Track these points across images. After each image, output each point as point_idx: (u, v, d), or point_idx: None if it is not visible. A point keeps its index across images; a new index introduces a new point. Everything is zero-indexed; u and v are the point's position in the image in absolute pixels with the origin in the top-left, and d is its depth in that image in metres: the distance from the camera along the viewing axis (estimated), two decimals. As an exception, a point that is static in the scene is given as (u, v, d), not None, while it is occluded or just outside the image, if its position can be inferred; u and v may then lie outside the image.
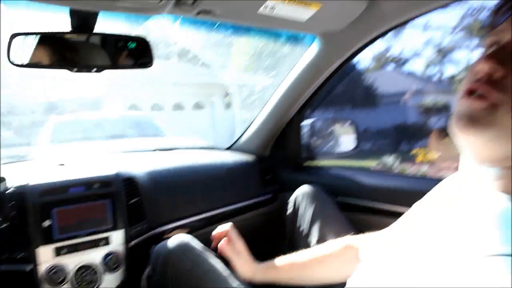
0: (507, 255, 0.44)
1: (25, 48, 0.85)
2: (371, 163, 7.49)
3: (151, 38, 0.96)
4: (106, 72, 0.94)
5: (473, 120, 0.53)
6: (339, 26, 1.10)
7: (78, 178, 1.07)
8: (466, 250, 0.49)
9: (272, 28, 1.08)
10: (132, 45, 0.94)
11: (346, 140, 1.70)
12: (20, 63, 0.86)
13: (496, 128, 0.52)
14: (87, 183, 1.06)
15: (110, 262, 1.06)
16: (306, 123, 1.63)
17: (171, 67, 5.99)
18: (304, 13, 0.97)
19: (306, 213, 1.27)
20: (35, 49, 0.86)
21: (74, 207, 1.03)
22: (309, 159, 1.64)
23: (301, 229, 1.27)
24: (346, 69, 1.37)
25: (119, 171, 1.15)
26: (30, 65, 0.87)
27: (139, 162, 1.31)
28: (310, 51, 1.28)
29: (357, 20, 1.07)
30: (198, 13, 0.89)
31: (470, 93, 0.54)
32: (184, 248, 0.99)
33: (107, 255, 1.06)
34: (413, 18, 1.06)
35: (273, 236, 1.49)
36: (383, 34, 1.16)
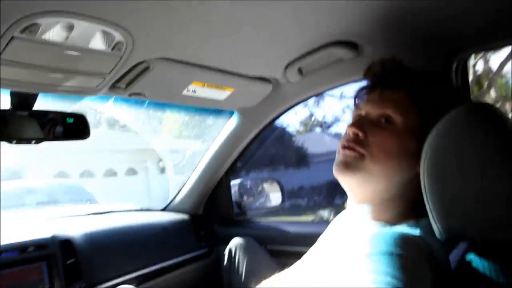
0: (370, 254, 0.62)
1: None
2: (309, 218, 7.77)
3: (80, 106, 1.07)
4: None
5: (347, 166, 0.76)
6: (252, 103, 1.33)
7: (11, 243, 1.09)
8: (348, 257, 0.67)
9: (196, 105, 1.27)
10: (70, 120, 1.05)
11: (273, 196, 1.90)
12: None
13: (364, 172, 0.75)
14: (21, 247, 1.09)
15: None
16: (235, 182, 1.80)
17: (102, 134, 5.94)
18: (221, 95, 1.18)
19: (240, 263, 1.40)
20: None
21: (7, 271, 1.04)
22: (241, 214, 1.78)
23: (237, 277, 1.39)
24: (278, 133, 1.59)
25: (55, 234, 1.19)
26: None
27: (75, 225, 1.34)
28: (231, 122, 1.49)
29: (266, 99, 1.31)
30: (130, 95, 1.05)
31: (344, 147, 0.77)
32: None
33: None
34: (311, 97, 1.33)
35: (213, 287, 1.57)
36: (290, 108, 1.41)
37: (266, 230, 1.61)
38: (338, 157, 0.79)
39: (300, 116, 11.95)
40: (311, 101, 9.81)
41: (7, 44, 0.68)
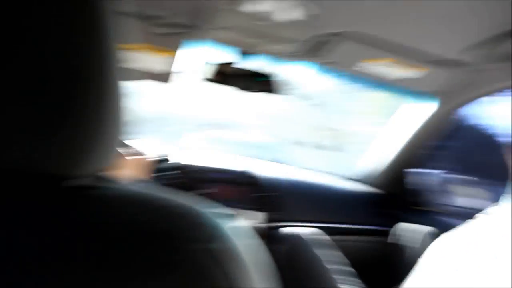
0: None
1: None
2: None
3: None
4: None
5: None
6: (446, 87, 1.30)
7: (228, 168, 1.52)
8: None
9: (389, 83, 1.31)
10: (262, 78, 1.23)
11: (466, 198, 1.75)
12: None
13: None
14: (235, 173, 1.51)
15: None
16: (431, 171, 1.71)
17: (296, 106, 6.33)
18: (411, 74, 1.19)
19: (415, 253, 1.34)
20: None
21: (224, 186, 1.46)
22: (425, 205, 1.69)
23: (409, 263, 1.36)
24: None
25: (263, 174, 1.55)
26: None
27: (276, 170, 1.65)
28: (427, 106, 1.47)
29: (462, 83, 1.24)
30: (323, 63, 1.20)
31: None
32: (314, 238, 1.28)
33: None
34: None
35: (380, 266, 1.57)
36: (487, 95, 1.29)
37: (446, 226, 1.49)
38: None
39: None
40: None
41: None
